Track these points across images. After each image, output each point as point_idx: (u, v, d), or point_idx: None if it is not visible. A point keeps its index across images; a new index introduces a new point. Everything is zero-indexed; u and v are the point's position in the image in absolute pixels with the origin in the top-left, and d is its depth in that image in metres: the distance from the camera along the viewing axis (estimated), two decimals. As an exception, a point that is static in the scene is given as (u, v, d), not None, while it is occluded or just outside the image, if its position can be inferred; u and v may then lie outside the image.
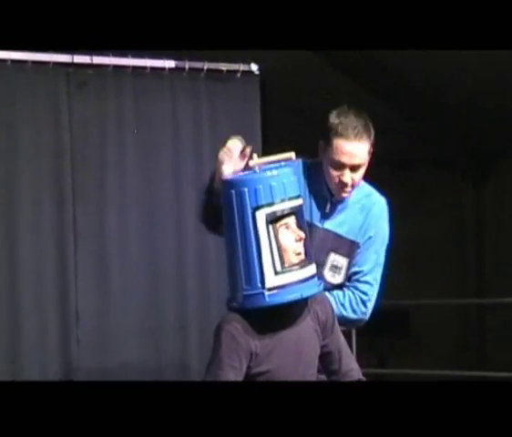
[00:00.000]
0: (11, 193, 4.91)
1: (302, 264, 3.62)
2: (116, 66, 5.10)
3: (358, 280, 4.00)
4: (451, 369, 8.80)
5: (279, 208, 3.58)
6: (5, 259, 4.88)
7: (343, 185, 3.90)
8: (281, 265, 3.58)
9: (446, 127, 9.22)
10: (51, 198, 4.98)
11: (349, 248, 4.02)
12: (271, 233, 3.58)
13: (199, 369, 4.91)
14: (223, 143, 3.84)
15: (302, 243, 3.62)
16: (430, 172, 9.74)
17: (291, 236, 3.59)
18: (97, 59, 5.06)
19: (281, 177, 3.61)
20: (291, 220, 3.61)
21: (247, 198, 3.57)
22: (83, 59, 5.03)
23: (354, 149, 3.86)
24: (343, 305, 3.97)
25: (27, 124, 4.95)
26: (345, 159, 3.86)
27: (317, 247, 3.88)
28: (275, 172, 3.60)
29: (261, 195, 3.58)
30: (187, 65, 5.19)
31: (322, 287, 3.72)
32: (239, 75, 5.29)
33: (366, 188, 4.04)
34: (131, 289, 5.10)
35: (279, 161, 3.71)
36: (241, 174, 3.71)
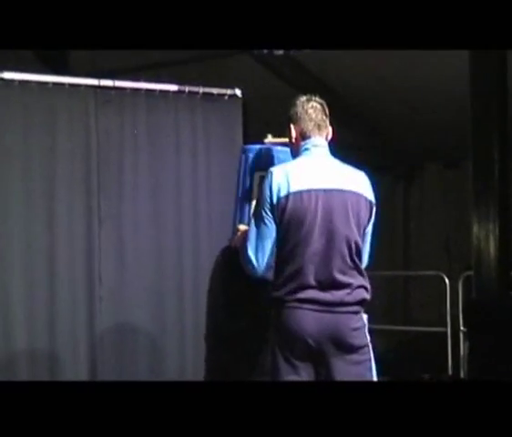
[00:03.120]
0: (52, 185, 4.92)
1: None
2: (132, 89, 5.11)
3: None
4: (382, 324, 8.88)
5: None
6: (46, 237, 4.89)
7: None
8: None
9: (384, 141, 9.28)
10: (82, 188, 4.99)
11: None
12: None
13: (192, 323, 5.05)
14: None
15: None
16: (370, 173, 9.69)
17: None
18: (118, 83, 5.08)
19: (277, 152, 3.72)
20: None
21: (250, 161, 3.71)
22: (107, 83, 5.05)
23: None
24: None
25: (64, 131, 4.97)
26: None
27: None
28: (276, 148, 3.72)
29: (261, 161, 3.68)
30: (187, 88, 5.20)
31: None
32: (226, 97, 5.30)
33: None
34: (141, 259, 5.11)
35: (284, 142, 3.72)
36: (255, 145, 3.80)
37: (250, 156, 3.71)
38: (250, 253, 3.44)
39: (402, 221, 10.16)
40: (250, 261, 3.44)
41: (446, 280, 7.22)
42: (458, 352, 7.01)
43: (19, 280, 4.80)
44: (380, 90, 7.25)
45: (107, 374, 4.91)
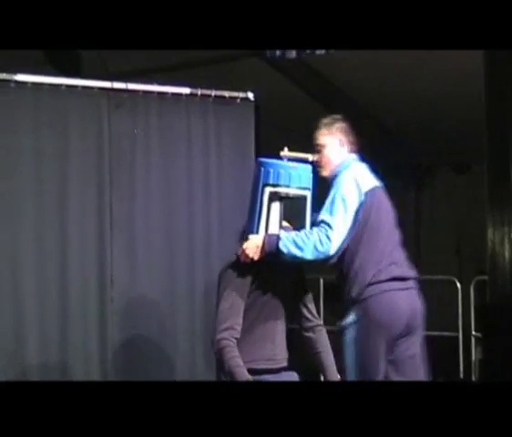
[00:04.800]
0: (64, 187, 4.85)
1: None
2: (145, 91, 5.04)
3: (317, 224, 3.78)
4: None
5: (282, 190, 3.66)
6: (58, 238, 4.82)
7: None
8: (271, 231, 3.65)
9: (395, 146, 9.24)
10: (94, 189, 4.93)
11: None
12: (272, 206, 3.66)
13: (203, 325, 4.98)
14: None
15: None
16: (381, 180, 9.70)
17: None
18: (131, 85, 5.01)
19: (289, 169, 3.68)
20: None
21: (261, 176, 3.67)
22: (120, 85, 4.99)
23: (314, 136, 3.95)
24: (306, 241, 3.69)
25: (77, 133, 4.90)
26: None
27: None
28: (289, 164, 3.70)
29: (270, 177, 3.65)
30: (199, 91, 5.13)
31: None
32: (238, 100, 5.22)
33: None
34: (153, 260, 5.04)
35: (300, 158, 3.81)
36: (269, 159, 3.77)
37: (262, 170, 3.68)
38: (336, 237, 3.69)
39: (413, 225, 10.10)
40: (331, 246, 3.69)
41: (458, 285, 7.13)
42: (470, 357, 6.92)
43: (31, 281, 4.73)
44: (390, 94, 7.21)
45: (117, 374, 4.83)
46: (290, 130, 4.63)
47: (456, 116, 7.46)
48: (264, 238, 3.69)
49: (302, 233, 3.71)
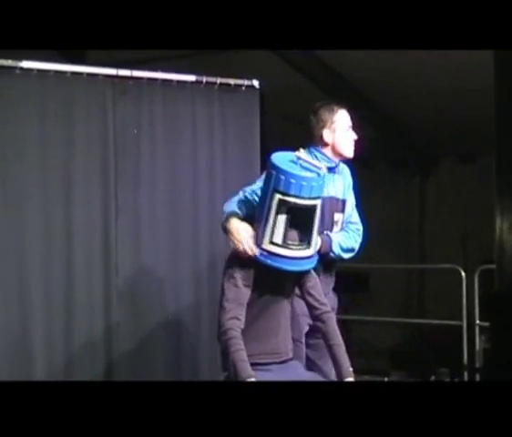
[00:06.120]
0: (68, 175, 4.79)
1: (291, 246, 3.61)
2: (149, 79, 5.00)
3: (352, 223, 4.17)
4: (398, 317, 8.81)
5: (291, 200, 3.55)
6: (63, 227, 4.78)
7: (353, 143, 4.11)
8: (275, 239, 3.58)
9: (400, 136, 9.20)
10: (99, 178, 4.86)
11: (342, 205, 4.11)
12: (278, 217, 3.57)
13: (209, 314, 4.93)
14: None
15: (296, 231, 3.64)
16: (386, 169, 9.72)
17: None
18: (136, 73, 4.97)
19: (301, 180, 3.55)
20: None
21: (273, 179, 3.57)
22: (124, 72, 4.94)
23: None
24: (349, 240, 4.10)
25: (82, 121, 4.84)
26: (350, 122, 4.10)
27: (327, 210, 3.98)
28: (301, 174, 3.57)
29: (281, 184, 3.55)
30: (204, 79, 5.09)
31: (301, 268, 3.69)
32: (243, 88, 5.17)
33: None
34: (158, 248, 4.99)
35: (313, 165, 3.69)
36: (283, 163, 3.65)
37: (274, 174, 3.60)
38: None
39: (417, 215, 10.04)
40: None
41: (463, 274, 7.09)
42: (474, 346, 6.91)
43: (36, 270, 4.69)
44: (396, 85, 7.17)
45: (122, 362, 4.81)
46: (295, 119, 4.58)
47: (462, 106, 7.42)
48: (321, 239, 3.92)
49: (343, 235, 4.07)
